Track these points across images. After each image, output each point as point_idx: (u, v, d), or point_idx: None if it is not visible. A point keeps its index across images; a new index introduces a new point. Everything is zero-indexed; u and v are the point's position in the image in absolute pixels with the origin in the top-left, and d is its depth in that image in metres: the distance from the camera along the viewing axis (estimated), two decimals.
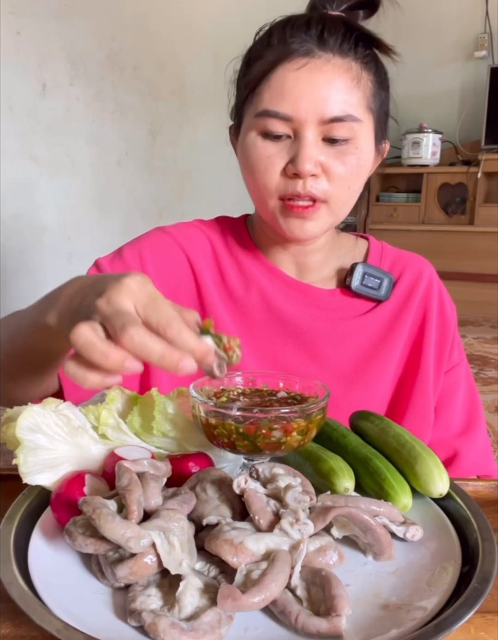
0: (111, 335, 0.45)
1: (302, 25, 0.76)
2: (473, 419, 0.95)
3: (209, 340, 0.51)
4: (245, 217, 0.95)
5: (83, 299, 0.51)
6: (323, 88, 0.74)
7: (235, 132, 0.85)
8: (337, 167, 0.76)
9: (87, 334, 0.44)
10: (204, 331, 0.52)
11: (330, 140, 0.76)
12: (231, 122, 0.87)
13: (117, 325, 0.45)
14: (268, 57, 0.76)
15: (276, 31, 0.78)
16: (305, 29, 0.75)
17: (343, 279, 0.90)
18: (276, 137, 0.76)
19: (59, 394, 0.81)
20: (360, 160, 0.78)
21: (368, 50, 0.78)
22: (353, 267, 0.89)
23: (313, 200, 0.78)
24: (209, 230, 0.92)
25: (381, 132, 0.83)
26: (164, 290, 0.86)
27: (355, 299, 0.90)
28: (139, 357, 0.45)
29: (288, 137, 0.76)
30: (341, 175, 0.77)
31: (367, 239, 0.97)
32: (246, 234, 0.92)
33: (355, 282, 0.88)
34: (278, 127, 0.75)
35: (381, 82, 0.80)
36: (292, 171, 0.76)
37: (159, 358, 0.44)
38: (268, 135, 0.77)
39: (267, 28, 0.80)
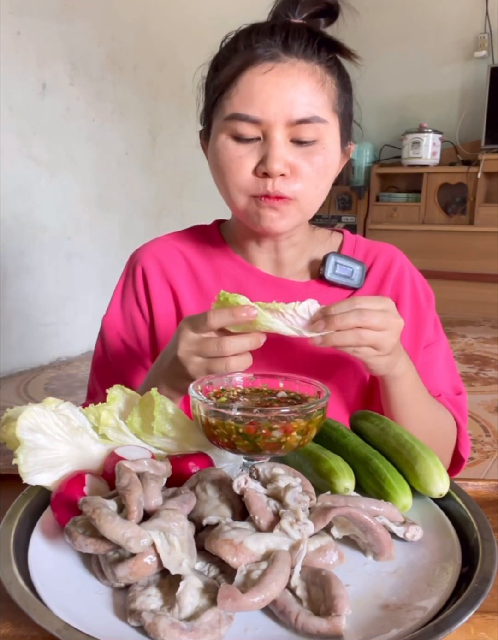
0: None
1: (267, 31, 0.79)
2: (456, 389, 0.96)
3: (243, 300, 0.65)
4: (218, 223, 0.99)
5: (175, 373, 0.72)
6: (290, 91, 0.77)
7: (205, 136, 0.88)
8: (305, 167, 0.79)
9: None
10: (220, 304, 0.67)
11: (298, 142, 0.79)
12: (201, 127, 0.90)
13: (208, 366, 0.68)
14: (235, 62, 0.79)
15: (242, 37, 0.81)
16: (270, 34, 0.78)
17: (317, 270, 0.93)
18: (247, 140, 0.79)
19: None
20: (326, 160, 0.81)
21: (331, 54, 0.81)
22: (325, 257, 0.92)
23: (283, 198, 0.80)
24: (178, 243, 0.96)
25: (346, 133, 0.86)
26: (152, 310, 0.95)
27: (330, 289, 0.93)
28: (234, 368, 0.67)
29: (258, 139, 0.79)
30: (309, 175, 0.80)
31: (341, 233, 1.00)
32: (219, 237, 0.96)
33: (328, 270, 0.90)
34: (248, 129, 0.78)
35: (344, 85, 0.84)
36: (262, 171, 0.79)
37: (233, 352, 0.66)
38: (239, 138, 0.79)
39: (232, 35, 0.83)
